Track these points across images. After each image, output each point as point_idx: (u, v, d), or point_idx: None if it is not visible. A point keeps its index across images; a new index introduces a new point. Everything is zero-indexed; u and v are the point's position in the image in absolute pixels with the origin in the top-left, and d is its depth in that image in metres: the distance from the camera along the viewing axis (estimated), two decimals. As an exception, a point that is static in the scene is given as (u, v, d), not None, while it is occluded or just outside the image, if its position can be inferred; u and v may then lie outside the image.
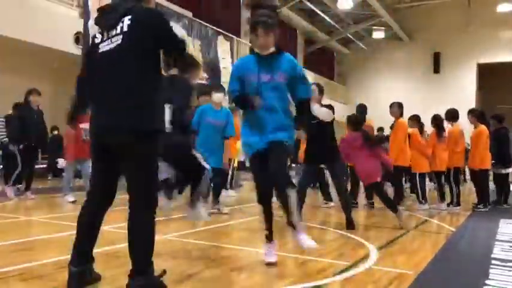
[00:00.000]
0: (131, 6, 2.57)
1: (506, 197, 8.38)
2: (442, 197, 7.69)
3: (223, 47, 14.25)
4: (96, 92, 2.63)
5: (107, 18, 2.61)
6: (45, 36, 8.69)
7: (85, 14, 9.33)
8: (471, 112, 7.99)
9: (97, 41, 2.66)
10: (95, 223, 2.74)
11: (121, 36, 2.52)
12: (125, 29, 2.52)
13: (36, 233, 4.64)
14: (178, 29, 2.73)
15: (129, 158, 2.55)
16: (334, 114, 5.50)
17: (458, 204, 7.69)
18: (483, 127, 7.76)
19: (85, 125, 6.35)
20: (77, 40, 9.97)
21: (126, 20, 2.53)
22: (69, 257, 2.70)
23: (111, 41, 2.56)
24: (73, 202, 7.00)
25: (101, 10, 2.73)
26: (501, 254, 4.09)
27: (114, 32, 2.55)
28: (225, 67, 14.15)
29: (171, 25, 2.62)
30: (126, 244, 2.54)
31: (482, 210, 7.56)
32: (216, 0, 16.29)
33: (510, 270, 3.47)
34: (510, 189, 8.68)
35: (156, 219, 2.61)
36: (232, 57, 14.64)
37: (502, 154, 8.16)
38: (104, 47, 2.59)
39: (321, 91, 5.48)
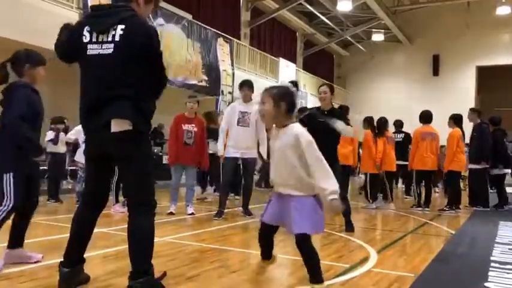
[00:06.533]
0: (127, 16, 2.53)
1: (506, 198, 8.42)
2: (386, 197, 8.12)
3: (223, 49, 14.24)
4: (86, 96, 2.62)
5: (99, 22, 2.56)
6: (45, 37, 8.65)
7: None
8: (452, 117, 8.11)
9: (84, 39, 2.57)
10: (88, 225, 2.77)
11: (112, 46, 2.50)
12: (117, 38, 2.49)
13: (40, 235, 4.64)
14: None
15: (122, 160, 2.60)
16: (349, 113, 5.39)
17: (422, 205, 7.97)
18: (455, 130, 7.92)
19: (187, 126, 6.14)
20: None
21: (119, 30, 2.50)
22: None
23: (101, 46, 2.52)
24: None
25: (95, 9, 2.69)
26: (500, 256, 4.10)
27: (105, 38, 2.52)
28: (225, 69, 14.15)
29: (159, 49, 2.59)
30: (126, 246, 2.55)
31: (447, 212, 7.60)
32: (215, 2, 16.29)
33: (509, 273, 3.48)
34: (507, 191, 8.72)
35: (156, 221, 2.62)
36: (231, 59, 14.64)
37: (498, 155, 8.31)
38: (93, 51, 2.54)
39: (332, 91, 5.40)
